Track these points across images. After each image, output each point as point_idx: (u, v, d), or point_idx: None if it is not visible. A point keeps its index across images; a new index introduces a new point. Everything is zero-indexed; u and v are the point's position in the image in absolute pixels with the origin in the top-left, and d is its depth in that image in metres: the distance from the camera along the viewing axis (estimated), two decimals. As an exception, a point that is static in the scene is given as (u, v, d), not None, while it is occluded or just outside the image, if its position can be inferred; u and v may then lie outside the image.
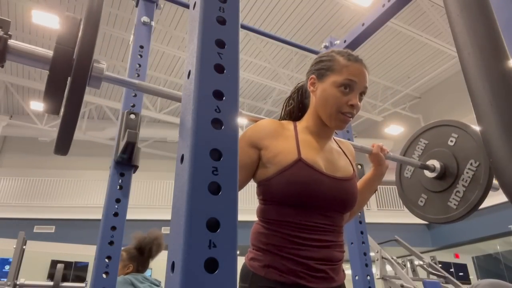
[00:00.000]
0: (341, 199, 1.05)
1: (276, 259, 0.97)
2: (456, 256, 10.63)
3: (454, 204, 1.49)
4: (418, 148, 1.68)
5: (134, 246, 2.21)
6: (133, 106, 1.56)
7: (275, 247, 0.98)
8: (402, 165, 1.78)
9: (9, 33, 0.78)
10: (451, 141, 1.57)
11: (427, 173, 1.60)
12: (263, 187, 1.04)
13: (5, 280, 2.79)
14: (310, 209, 1.01)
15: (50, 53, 0.77)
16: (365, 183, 1.29)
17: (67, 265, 7.67)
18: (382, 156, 1.30)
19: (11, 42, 0.80)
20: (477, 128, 1.53)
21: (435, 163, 1.58)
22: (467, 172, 1.48)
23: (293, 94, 1.25)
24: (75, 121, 0.75)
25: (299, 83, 1.26)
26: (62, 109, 0.74)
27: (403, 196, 1.74)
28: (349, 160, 1.17)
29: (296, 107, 1.22)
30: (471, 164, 1.47)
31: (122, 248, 2.18)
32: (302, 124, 1.14)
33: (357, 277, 1.78)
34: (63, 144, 0.79)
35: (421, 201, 1.63)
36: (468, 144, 1.50)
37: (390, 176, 1.82)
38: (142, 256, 2.20)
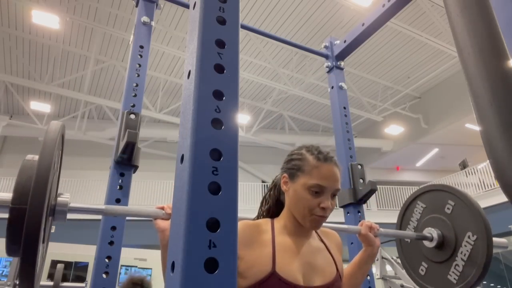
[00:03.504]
0: None
1: None
2: (456, 256, 10.61)
3: (454, 279, 1.43)
4: (417, 211, 1.62)
5: None
6: (133, 106, 1.56)
7: None
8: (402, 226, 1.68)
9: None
10: (448, 208, 1.50)
11: (426, 243, 1.54)
12: None
13: (5, 280, 2.79)
14: None
15: (9, 199, 0.80)
16: (356, 265, 1.21)
17: (67, 265, 7.67)
18: (372, 236, 1.21)
19: None
20: (472, 197, 1.46)
21: (432, 232, 1.51)
22: (465, 245, 1.41)
23: (270, 191, 1.21)
24: (34, 261, 0.76)
25: (276, 176, 1.22)
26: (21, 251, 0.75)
27: (404, 262, 1.66)
28: (333, 257, 1.11)
29: (273, 205, 1.18)
30: (468, 237, 1.41)
31: None
32: (279, 222, 1.10)
33: (357, 277, 1.78)
34: (25, 285, 0.79)
35: (421, 270, 1.57)
36: (465, 214, 1.45)
37: (391, 176, 1.82)
38: None
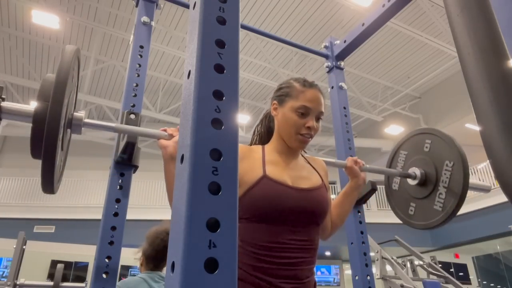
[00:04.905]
0: (309, 209, 1.09)
1: (246, 275, 1.03)
2: (456, 256, 10.63)
3: (440, 207, 1.54)
4: (400, 160, 1.75)
5: (149, 243, 2.12)
6: (133, 106, 1.56)
7: (245, 265, 1.04)
8: (389, 179, 1.82)
9: (2, 96, 0.98)
10: (426, 147, 1.65)
11: (410, 181, 1.66)
12: None
13: (5, 280, 2.79)
14: (279, 225, 1.05)
15: (32, 109, 0.93)
16: (343, 195, 1.34)
17: (67, 265, 7.67)
18: (357, 169, 1.36)
19: (4, 104, 0.98)
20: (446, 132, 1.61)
21: (415, 170, 1.64)
22: (444, 173, 1.54)
23: (262, 121, 1.34)
24: (53, 161, 0.84)
25: (266, 110, 1.33)
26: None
27: (395, 208, 1.78)
28: (319, 175, 1.22)
29: (264, 132, 1.32)
30: (446, 165, 1.54)
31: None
32: (269, 146, 1.23)
33: (357, 277, 1.78)
34: (46, 183, 0.89)
35: (411, 210, 1.68)
36: (441, 147, 1.58)
37: (390, 176, 1.82)
38: (154, 252, 2.11)
